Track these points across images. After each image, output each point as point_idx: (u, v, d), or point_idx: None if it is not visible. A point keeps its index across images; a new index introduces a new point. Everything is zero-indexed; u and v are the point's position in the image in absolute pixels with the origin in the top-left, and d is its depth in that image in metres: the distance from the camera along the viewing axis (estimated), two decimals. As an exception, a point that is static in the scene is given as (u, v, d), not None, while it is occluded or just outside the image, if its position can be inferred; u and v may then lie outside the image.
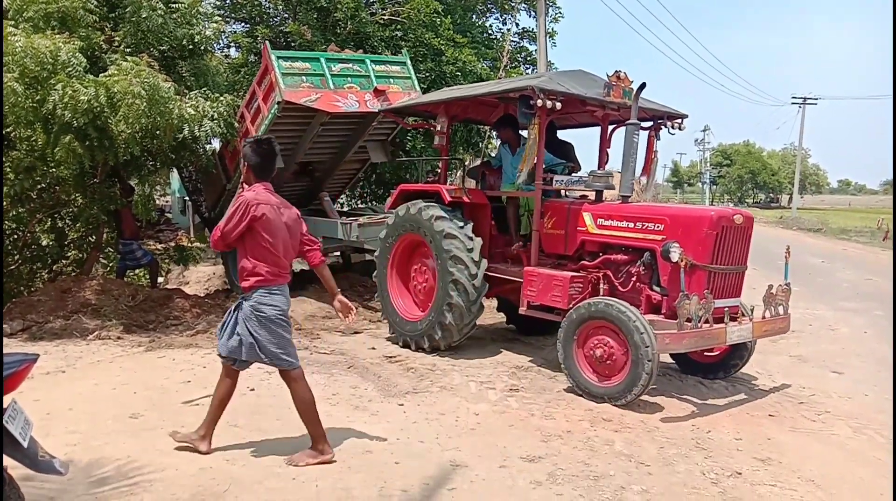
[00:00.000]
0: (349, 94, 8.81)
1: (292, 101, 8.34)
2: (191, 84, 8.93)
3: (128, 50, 8.07)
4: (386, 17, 12.98)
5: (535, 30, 15.53)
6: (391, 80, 9.32)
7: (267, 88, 8.70)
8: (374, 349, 7.12)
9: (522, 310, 6.38)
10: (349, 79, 8.94)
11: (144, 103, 7.06)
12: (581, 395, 5.47)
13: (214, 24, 8.89)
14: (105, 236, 9.88)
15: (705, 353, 6.13)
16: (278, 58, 8.50)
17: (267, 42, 9.39)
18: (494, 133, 12.28)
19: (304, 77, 8.56)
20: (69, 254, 10.09)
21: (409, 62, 9.81)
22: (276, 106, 8.46)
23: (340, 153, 10.27)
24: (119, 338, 7.12)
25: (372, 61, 9.36)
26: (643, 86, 5.99)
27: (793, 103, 49.60)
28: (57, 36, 7.20)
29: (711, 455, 4.44)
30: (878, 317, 9.75)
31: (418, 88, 9.70)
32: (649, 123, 6.80)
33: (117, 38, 8.25)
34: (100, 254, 10.03)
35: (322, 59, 8.89)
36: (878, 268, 16.32)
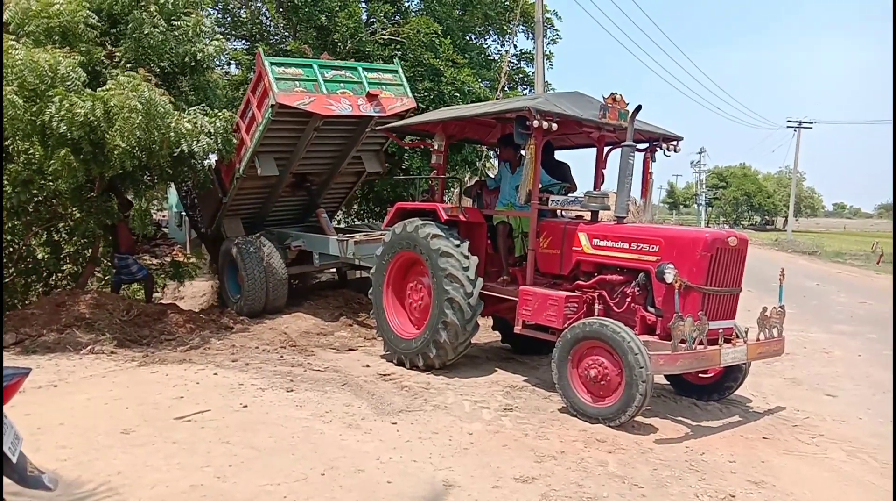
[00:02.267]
0: (342, 98, 8.89)
1: (286, 104, 8.42)
2: (191, 100, 8.98)
3: (128, 65, 8.11)
4: (385, 37, 13.09)
5: (532, 52, 15.67)
6: (383, 86, 9.41)
7: (261, 94, 8.78)
8: (368, 366, 7.11)
9: (517, 329, 6.38)
10: (342, 84, 9.04)
11: (141, 117, 7.09)
12: (575, 415, 5.46)
13: (216, 42, 8.95)
14: (101, 249, 9.86)
15: (700, 375, 6.13)
16: (272, 64, 8.59)
17: (260, 49, 9.47)
18: (492, 152, 12.37)
19: (297, 82, 8.65)
20: (64, 267, 10.05)
21: (401, 70, 9.90)
22: (269, 110, 8.53)
23: (335, 164, 10.31)
24: (112, 353, 7.08)
25: (364, 69, 9.47)
26: (639, 108, 6.04)
27: (788, 127, 49.94)
28: (57, 50, 7.24)
29: (705, 478, 4.42)
30: (872, 340, 9.76)
31: (411, 95, 9.77)
32: (645, 145, 6.85)
33: (118, 54, 8.29)
34: (95, 268, 10.00)
35: (315, 66, 8.98)
36: (872, 291, 16.36)
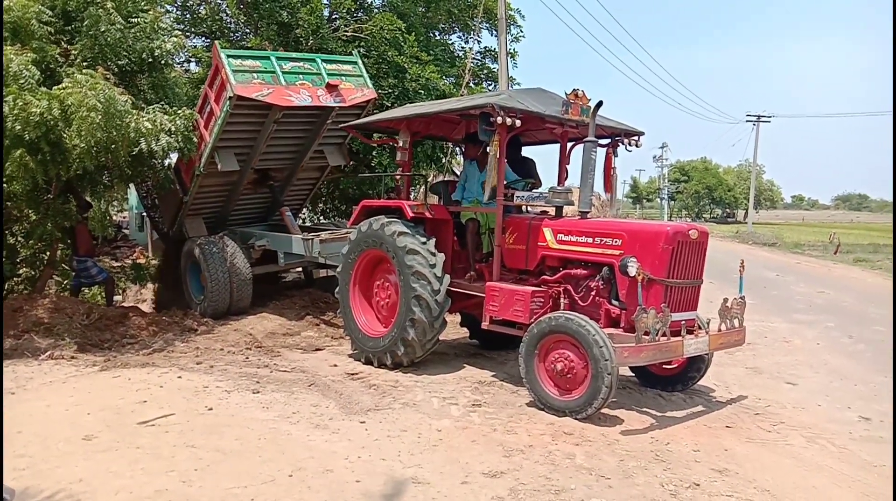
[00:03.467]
0: (301, 89, 8.81)
1: (244, 95, 8.31)
2: (150, 98, 8.81)
3: (84, 63, 7.92)
4: (348, 34, 13.01)
5: (496, 49, 15.74)
6: (343, 77, 9.35)
7: (218, 87, 8.64)
8: (335, 366, 7.06)
9: (485, 325, 6.41)
10: (301, 76, 8.96)
11: (100, 117, 6.93)
12: (543, 409, 5.50)
13: (175, 39, 8.79)
14: (59, 252, 9.63)
15: (664, 366, 6.23)
16: (228, 56, 8.47)
17: (216, 42, 9.32)
18: (458, 149, 12.38)
19: (255, 74, 8.56)
20: (21, 271, 9.80)
21: (360, 62, 9.84)
22: (227, 103, 8.40)
23: (297, 158, 10.20)
24: (73, 358, 6.92)
25: (322, 60, 9.41)
26: (600, 104, 6.10)
27: (747, 121, 50.86)
28: (8, 48, 7.04)
29: (670, 467, 4.49)
30: (829, 329, 10.02)
31: (371, 86, 9.73)
32: (607, 141, 6.91)
33: (74, 52, 8.09)
34: (53, 271, 9.76)
35: (272, 58, 8.88)
36: (830, 281, 16.80)
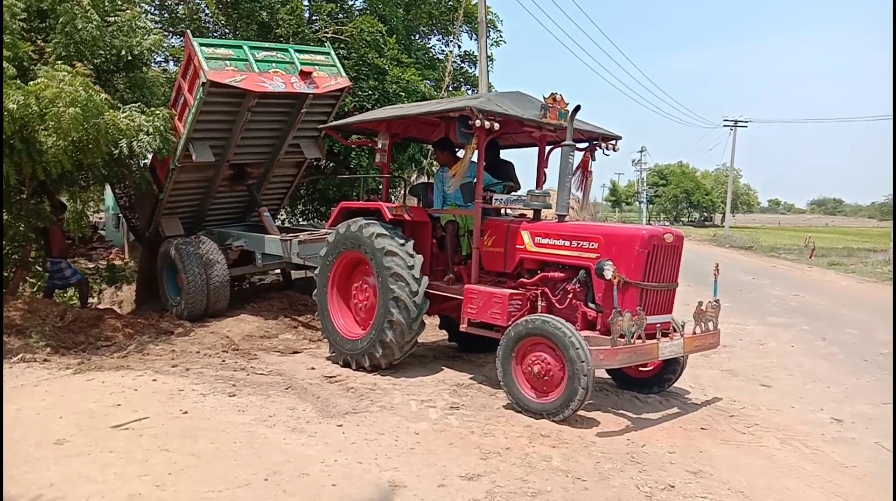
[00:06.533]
0: (275, 76, 8.79)
1: (217, 81, 8.26)
2: (127, 97, 8.70)
3: (59, 62, 7.80)
4: (329, 35, 12.97)
5: (475, 53, 15.79)
6: (316, 66, 9.34)
7: (192, 76, 8.58)
8: (313, 369, 7.02)
9: (463, 327, 6.42)
10: (274, 64, 8.95)
11: (79, 112, 6.81)
12: (520, 411, 5.52)
13: (153, 37, 8.69)
14: (32, 253, 9.49)
15: (640, 368, 6.28)
16: (201, 44, 8.42)
17: (188, 31, 9.26)
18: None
19: (227, 62, 8.54)
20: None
21: (332, 53, 9.84)
22: (201, 89, 8.34)
23: (273, 153, 10.14)
24: (45, 360, 6.82)
25: (295, 50, 9.41)
26: (578, 108, 6.15)
27: (724, 125, 51.48)
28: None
29: (645, 469, 4.53)
30: (804, 332, 10.16)
31: (345, 75, 9.72)
32: (585, 144, 6.96)
33: (48, 50, 7.97)
34: (26, 273, 9.62)
35: (245, 47, 8.86)
36: (805, 284, 17.04)
